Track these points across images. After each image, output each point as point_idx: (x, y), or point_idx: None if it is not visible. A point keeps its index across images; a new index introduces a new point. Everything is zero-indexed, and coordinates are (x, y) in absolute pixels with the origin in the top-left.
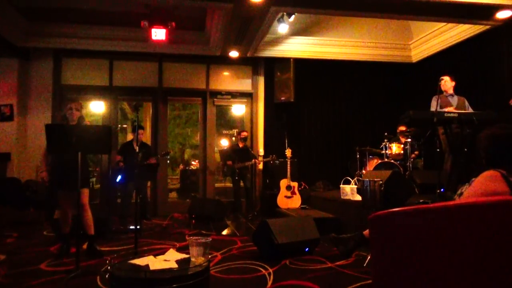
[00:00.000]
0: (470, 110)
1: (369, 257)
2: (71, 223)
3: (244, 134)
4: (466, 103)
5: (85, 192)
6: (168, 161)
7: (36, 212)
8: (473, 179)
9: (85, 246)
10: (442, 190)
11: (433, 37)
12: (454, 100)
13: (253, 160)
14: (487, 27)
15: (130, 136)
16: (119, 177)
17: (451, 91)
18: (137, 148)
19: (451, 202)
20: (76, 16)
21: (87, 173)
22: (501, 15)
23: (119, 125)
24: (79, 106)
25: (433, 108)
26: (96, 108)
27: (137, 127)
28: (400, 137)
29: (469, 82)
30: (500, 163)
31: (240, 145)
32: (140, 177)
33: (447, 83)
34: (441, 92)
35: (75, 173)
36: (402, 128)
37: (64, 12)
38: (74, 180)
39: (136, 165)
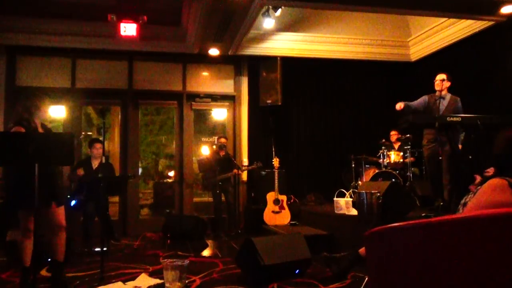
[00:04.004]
0: (460, 111)
1: (366, 278)
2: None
3: (222, 140)
4: (459, 103)
5: (62, 211)
6: (139, 173)
7: None
8: (478, 187)
9: (44, 272)
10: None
11: (433, 34)
12: (445, 101)
13: (235, 170)
14: (491, 23)
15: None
16: (73, 202)
17: (444, 91)
18: (94, 166)
19: (454, 216)
20: (34, 9)
21: (59, 188)
22: (506, 10)
23: (83, 133)
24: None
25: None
26: (57, 113)
27: (93, 140)
28: (394, 144)
29: (471, 82)
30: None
31: (221, 154)
32: (101, 193)
33: (444, 83)
34: (434, 91)
35: (45, 186)
36: (394, 133)
37: (19, 3)
38: (45, 195)
39: (92, 181)
